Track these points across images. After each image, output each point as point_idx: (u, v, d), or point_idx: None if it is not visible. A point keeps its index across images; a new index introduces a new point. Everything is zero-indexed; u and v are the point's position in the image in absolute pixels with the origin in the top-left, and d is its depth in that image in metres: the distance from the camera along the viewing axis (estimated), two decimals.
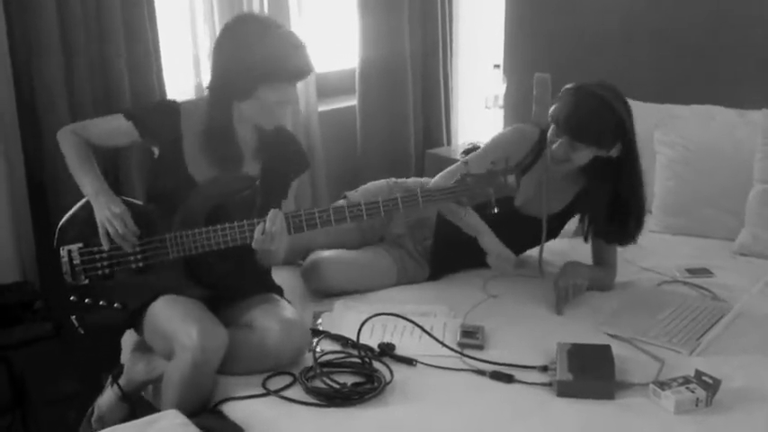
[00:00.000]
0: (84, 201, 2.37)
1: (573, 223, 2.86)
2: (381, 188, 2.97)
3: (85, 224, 2.34)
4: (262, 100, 2.29)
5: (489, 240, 2.64)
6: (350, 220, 2.27)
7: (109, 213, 2.27)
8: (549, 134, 2.59)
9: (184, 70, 3.39)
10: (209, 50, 3.34)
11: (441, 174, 2.70)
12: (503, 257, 2.63)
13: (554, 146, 2.56)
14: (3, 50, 2.72)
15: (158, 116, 2.39)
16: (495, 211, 2.30)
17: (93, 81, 2.90)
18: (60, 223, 2.40)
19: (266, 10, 3.39)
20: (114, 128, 2.41)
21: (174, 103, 2.43)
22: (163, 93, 3.08)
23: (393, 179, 3.04)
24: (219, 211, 2.31)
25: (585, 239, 2.77)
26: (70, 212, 2.40)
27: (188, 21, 3.34)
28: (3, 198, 2.79)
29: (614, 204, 2.65)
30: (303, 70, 2.33)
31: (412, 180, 3.08)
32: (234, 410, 2.14)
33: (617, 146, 2.55)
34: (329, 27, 3.83)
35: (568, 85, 2.59)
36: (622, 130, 2.53)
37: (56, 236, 2.39)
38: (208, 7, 3.34)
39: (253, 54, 2.25)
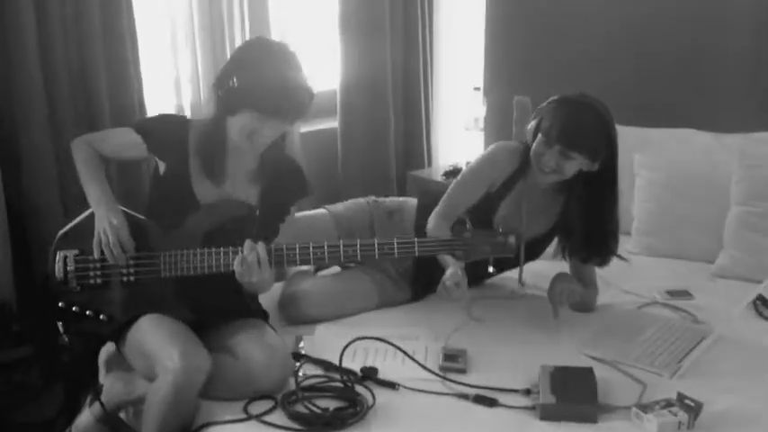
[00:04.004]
0: (88, 212, 2.36)
1: (552, 245, 2.85)
2: (361, 206, 3.00)
3: (85, 234, 2.32)
4: (241, 122, 2.28)
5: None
6: (344, 259, 2.23)
7: (106, 223, 2.27)
8: (535, 146, 2.57)
9: (166, 93, 3.37)
10: (189, 74, 3.35)
11: (433, 214, 2.68)
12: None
13: (544, 157, 2.55)
14: None
15: (167, 131, 2.39)
16: (491, 270, 2.26)
17: (75, 100, 2.89)
18: (61, 231, 2.39)
19: (247, 30, 3.39)
20: (125, 141, 2.41)
21: (183, 118, 2.44)
22: (143, 115, 3.07)
23: (373, 197, 3.06)
24: (217, 235, 2.31)
25: (564, 257, 2.76)
26: (74, 221, 2.39)
27: (168, 45, 3.32)
28: None
29: (590, 221, 2.64)
30: (283, 111, 2.27)
31: (390, 199, 3.08)
32: None
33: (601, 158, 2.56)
34: (310, 48, 3.82)
35: (554, 97, 2.60)
36: (611, 141, 2.55)
37: (54, 240, 2.38)
38: (189, 31, 3.32)
39: (244, 75, 2.25)
